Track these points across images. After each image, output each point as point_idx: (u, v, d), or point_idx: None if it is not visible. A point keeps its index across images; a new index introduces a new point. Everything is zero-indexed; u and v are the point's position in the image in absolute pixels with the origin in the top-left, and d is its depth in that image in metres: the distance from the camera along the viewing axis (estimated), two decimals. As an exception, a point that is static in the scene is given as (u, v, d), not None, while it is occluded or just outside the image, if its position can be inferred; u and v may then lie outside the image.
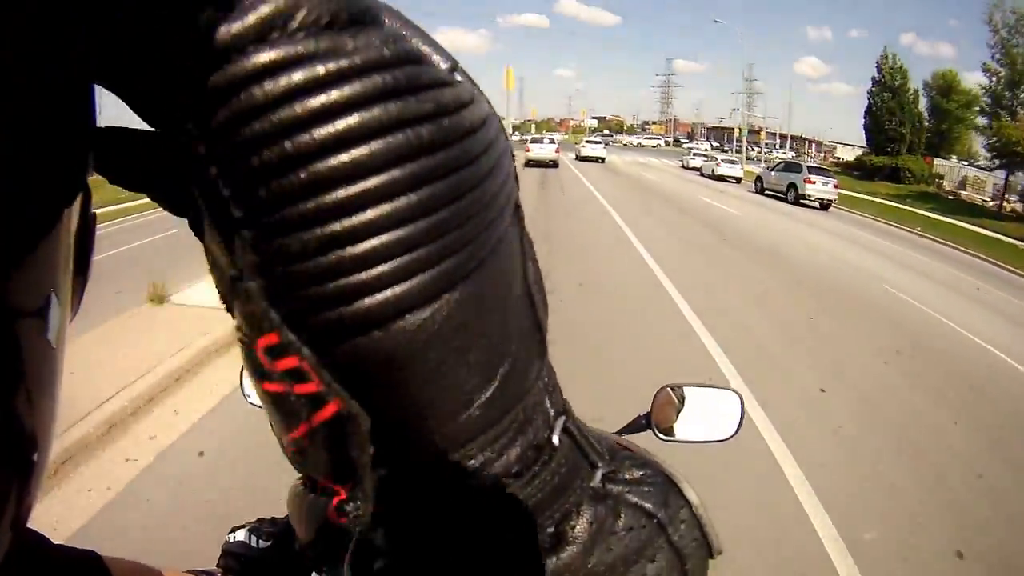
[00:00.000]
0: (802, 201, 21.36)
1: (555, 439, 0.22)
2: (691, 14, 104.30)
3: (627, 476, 0.24)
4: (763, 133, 56.13)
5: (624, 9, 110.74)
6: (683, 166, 36.73)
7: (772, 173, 24.58)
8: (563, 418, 0.23)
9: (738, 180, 29.30)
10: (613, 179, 24.57)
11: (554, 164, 28.95)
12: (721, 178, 29.31)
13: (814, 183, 21.44)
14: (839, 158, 65.12)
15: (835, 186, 21.62)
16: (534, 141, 32.33)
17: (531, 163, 29.77)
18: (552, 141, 32.54)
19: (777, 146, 64.52)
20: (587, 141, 35.41)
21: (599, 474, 0.23)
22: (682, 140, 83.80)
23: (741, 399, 1.15)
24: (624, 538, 0.23)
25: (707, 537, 0.24)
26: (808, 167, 23.07)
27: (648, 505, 0.23)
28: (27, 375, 0.18)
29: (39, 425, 0.19)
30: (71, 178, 0.20)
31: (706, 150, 50.61)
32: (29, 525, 0.28)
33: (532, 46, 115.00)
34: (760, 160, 42.37)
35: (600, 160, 33.79)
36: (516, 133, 64.35)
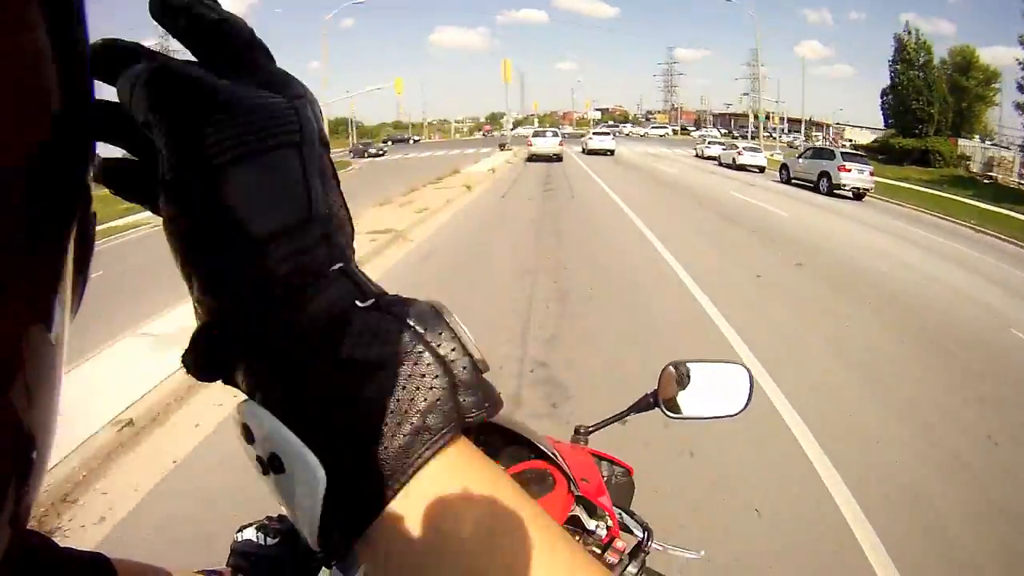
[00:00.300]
0: (836, 191, 19.04)
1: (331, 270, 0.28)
2: (688, 2, 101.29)
3: (400, 306, 0.29)
4: (775, 118, 53.17)
5: (621, 0, 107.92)
6: (697, 155, 34.43)
7: (800, 161, 22.10)
8: (340, 264, 0.28)
9: (761, 169, 26.81)
10: (627, 175, 21.95)
11: (558, 158, 27.32)
12: (742, 167, 26.77)
13: (849, 171, 19.01)
14: (850, 140, 62.48)
15: (871, 174, 19.38)
16: (536, 135, 30.39)
17: (534, 158, 27.71)
18: (555, 134, 30.26)
19: (786, 131, 62.47)
20: (594, 133, 33.27)
21: (371, 301, 0.29)
22: (688, 128, 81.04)
23: (750, 373, 1.12)
24: (389, 340, 0.28)
25: (469, 351, 0.29)
26: (842, 153, 20.38)
27: (410, 321, 0.29)
28: (28, 374, 0.19)
29: (38, 424, 0.20)
30: (75, 183, 0.21)
31: (716, 137, 47.93)
32: (43, 530, 0.34)
33: (532, 41, 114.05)
34: (775, 147, 39.86)
35: (609, 153, 31.35)
36: (519, 128, 62.40)
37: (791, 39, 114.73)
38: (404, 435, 0.27)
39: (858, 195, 19.09)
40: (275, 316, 0.27)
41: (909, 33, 41.93)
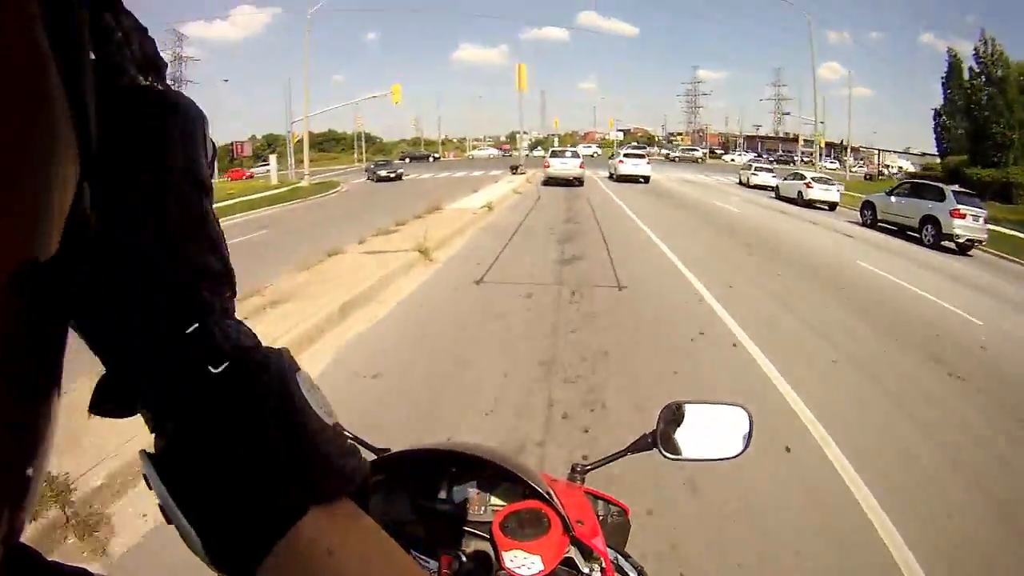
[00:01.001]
0: (943, 243, 14.08)
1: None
2: (708, 23, 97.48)
3: (261, 366, 0.31)
4: (821, 140, 47.21)
5: (642, 20, 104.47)
6: (742, 183, 29.53)
7: (892, 199, 16.61)
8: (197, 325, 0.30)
9: (832, 207, 21.18)
10: (678, 216, 16.05)
11: (578, 182, 23.60)
12: (810, 203, 21.14)
13: (963, 217, 13.99)
14: (898, 167, 56.49)
15: (985, 220, 14.63)
16: (554, 155, 25.47)
17: (552, 181, 23.67)
18: (575, 155, 25.06)
19: (822, 155, 59.41)
20: (625, 155, 27.25)
21: (224, 365, 0.30)
22: (717, 151, 75.50)
23: (750, 415, 1.09)
24: (248, 404, 0.30)
25: (327, 418, 0.33)
26: (955, 193, 14.85)
27: (271, 383, 0.31)
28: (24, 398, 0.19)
29: (34, 443, 0.20)
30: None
31: (761, 162, 42.26)
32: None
33: (554, 60, 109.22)
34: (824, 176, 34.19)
35: (644, 180, 25.70)
36: (538, 148, 57.46)
37: (812, 61, 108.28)
38: (274, 497, 0.29)
39: (965, 247, 14.16)
40: (145, 373, 0.28)
41: (985, 43, 35.98)
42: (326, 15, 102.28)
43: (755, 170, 29.54)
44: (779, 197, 23.26)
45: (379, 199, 21.22)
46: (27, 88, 0.17)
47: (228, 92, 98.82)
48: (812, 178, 22.32)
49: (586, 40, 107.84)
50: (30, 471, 0.20)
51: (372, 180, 31.12)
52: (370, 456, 1.01)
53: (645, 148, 63.62)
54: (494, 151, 63.37)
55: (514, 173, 27.79)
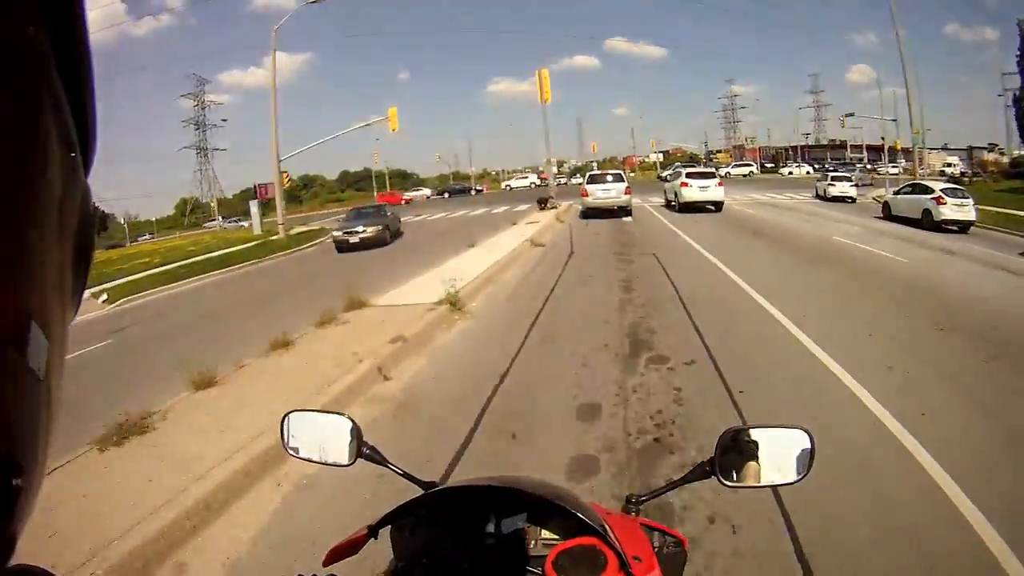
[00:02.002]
0: None
1: None
2: (737, 38, 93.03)
3: None
4: (888, 148, 39.51)
5: (669, 41, 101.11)
6: (820, 196, 25.60)
7: None
8: None
9: (964, 228, 15.35)
10: (778, 255, 10.48)
11: (624, 212, 18.59)
12: (939, 226, 15.16)
13: None
14: (950, 164, 47.81)
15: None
16: (593, 180, 19.30)
17: (591, 213, 18.74)
18: (619, 178, 19.27)
19: (866, 160, 56.50)
20: (690, 174, 19.93)
21: None
22: (767, 165, 68.18)
23: (811, 437, 1.02)
24: None
25: None
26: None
27: None
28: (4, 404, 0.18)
29: (22, 452, 0.19)
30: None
31: (840, 172, 35.34)
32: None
33: (586, 88, 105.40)
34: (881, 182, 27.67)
35: (715, 207, 18.87)
36: (578, 176, 51.86)
37: (842, 64, 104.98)
38: None
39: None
40: None
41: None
42: (359, 54, 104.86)
43: (831, 180, 25.34)
44: (890, 217, 17.44)
45: (342, 262, 15.41)
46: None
47: (259, 134, 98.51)
48: (940, 190, 15.62)
49: (616, 66, 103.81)
50: (18, 481, 0.19)
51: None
52: (417, 491, 0.99)
53: (713, 166, 55.91)
54: (534, 179, 57.60)
55: (542, 208, 21.60)
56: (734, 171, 56.45)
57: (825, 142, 74.69)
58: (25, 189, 0.19)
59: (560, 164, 58.88)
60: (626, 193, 18.25)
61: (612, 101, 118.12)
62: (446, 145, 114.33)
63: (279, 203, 24.27)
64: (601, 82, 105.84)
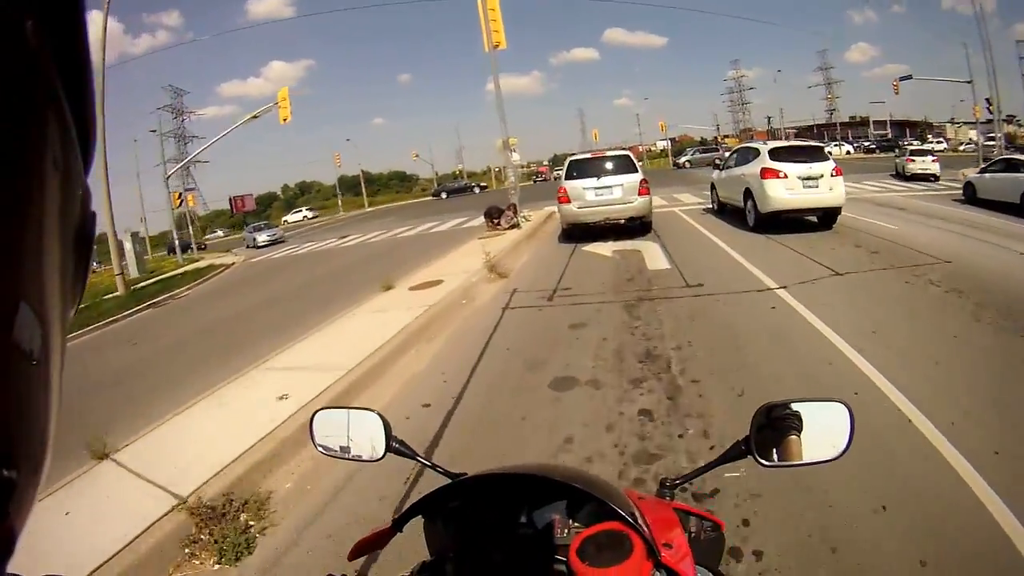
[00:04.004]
0: None
1: None
2: (735, 21, 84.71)
3: None
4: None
5: (668, 29, 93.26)
6: (897, 173, 20.94)
7: None
8: None
9: None
10: None
11: (641, 226, 9.48)
12: None
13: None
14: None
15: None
16: (580, 173, 9.28)
17: (578, 233, 9.73)
18: (628, 166, 9.86)
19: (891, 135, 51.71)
20: (778, 153, 9.21)
21: None
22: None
23: (850, 410, 0.94)
24: None
25: None
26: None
27: None
28: None
29: (12, 441, 0.19)
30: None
31: (904, 146, 26.91)
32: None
33: (587, 80, 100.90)
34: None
35: (822, 218, 9.03)
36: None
37: (840, 45, 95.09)
38: None
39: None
40: None
41: None
42: (366, 62, 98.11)
43: (911, 155, 21.24)
44: (974, 200, 12.09)
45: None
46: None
47: (259, 145, 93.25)
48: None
49: (616, 57, 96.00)
50: (12, 473, 0.18)
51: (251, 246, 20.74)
52: (445, 481, 0.93)
53: (717, 151, 45.34)
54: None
55: (493, 226, 12.11)
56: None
57: (849, 119, 66.01)
58: (21, 187, 0.19)
59: (564, 158, 48.69)
60: (641, 192, 9.01)
61: (614, 92, 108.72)
62: (449, 143, 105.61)
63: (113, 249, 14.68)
64: (602, 73, 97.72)
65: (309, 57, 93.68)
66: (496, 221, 11.98)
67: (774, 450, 0.94)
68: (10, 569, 0.21)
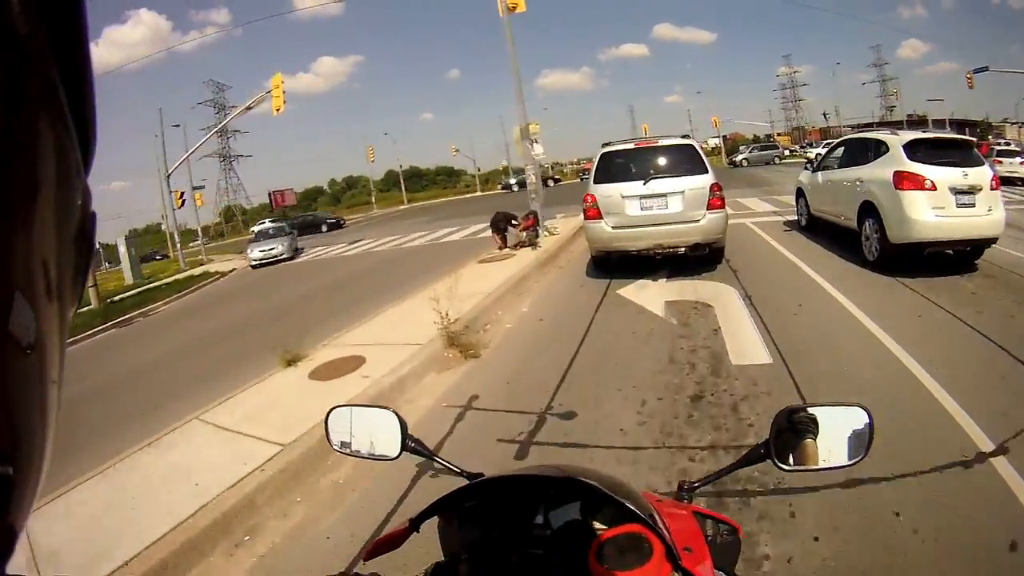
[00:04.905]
0: None
1: None
2: (785, 14, 79.13)
3: None
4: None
5: (717, 24, 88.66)
6: None
7: None
8: None
9: None
10: None
11: (707, 257, 6.04)
12: None
13: None
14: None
15: None
16: (616, 175, 5.65)
17: (615, 264, 6.19)
18: (692, 160, 6.19)
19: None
20: (917, 146, 5.64)
21: None
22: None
23: (869, 414, 0.93)
24: None
25: None
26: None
27: None
28: None
29: (13, 435, 0.18)
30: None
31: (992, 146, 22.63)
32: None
33: (637, 76, 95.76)
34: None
35: (974, 247, 5.56)
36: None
37: (893, 40, 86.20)
38: None
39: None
40: None
41: None
42: (414, 57, 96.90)
43: (997, 155, 17.25)
44: None
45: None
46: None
47: (300, 140, 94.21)
48: None
49: (666, 53, 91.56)
50: (9, 470, 0.17)
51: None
52: (462, 482, 0.90)
53: (776, 150, 40.97)
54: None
55: (500, 242, 8.88)
56: (825, 152, 41.60)
57: (907, 118, 60.05)
58: (19, 186, 0.18)
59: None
60: (713, 205, 5.72)
61: (663, 89, 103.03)
62: (496, 137, 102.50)
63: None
64: (651, 69, 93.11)
65: (358, 53, 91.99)
66: (500, 235, 8.81)
67: (792, 454, 0.92)
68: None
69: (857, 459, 0.92)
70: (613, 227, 5.98)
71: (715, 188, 5.79)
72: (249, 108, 17.03)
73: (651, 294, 5.34)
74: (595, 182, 6.17)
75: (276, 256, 15.64)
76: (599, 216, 6.03)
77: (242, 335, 6.98)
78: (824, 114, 64.01)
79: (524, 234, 8.72)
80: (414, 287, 6.67)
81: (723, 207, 5.85)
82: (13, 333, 0.17)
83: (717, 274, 5.83)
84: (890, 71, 61.31)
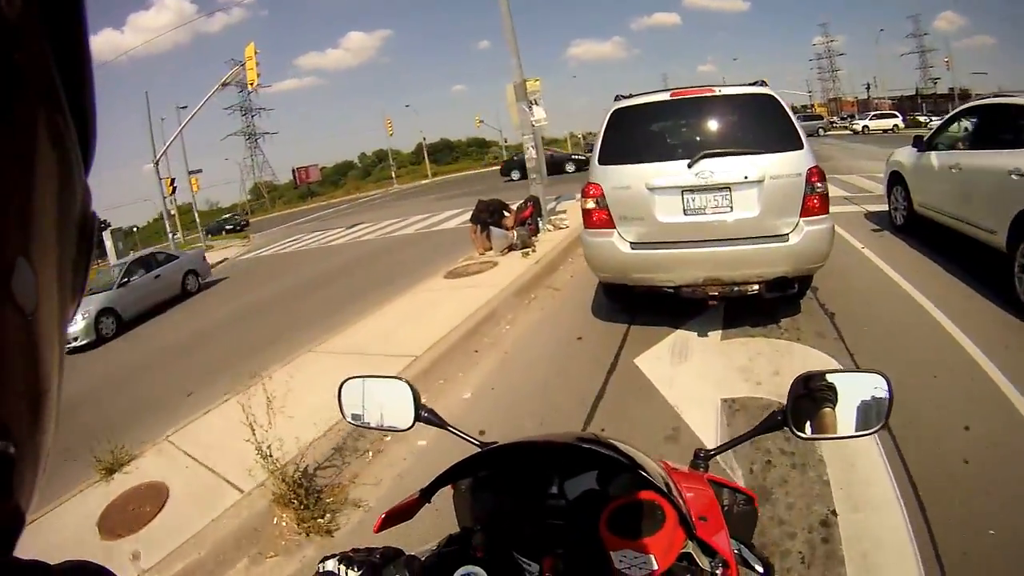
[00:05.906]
0: None
1: None
2: None
3: None
4: None
5: None
6: None
7: None
8: None
9: None
10: None
11: (793, 292, 3.50)
12: None
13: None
14: None
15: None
16: (630, 150, 3.21)
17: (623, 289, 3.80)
18: (781, 125, 3.31)
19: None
20: None
21: None
22: (920, 117, 47.97)
23: (888, 381, 0.86)
24: None
25: None
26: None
27: None
28: None
29: (12, 411, 0.17)
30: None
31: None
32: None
33: (670, 45, 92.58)
34: None
35: None
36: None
37: (929, 13, 78.20)
38: None
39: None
40: None
41: None
42: (441, 29, 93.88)
43: None
44: None
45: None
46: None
47: (331, 115, 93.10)
48: None
49: (698, 21, 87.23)
50: (10, 447, 0.17)
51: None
52: (474, 450, 0.85)
53: (821, 121, 37.43)
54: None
55: (482, 241, 6.36)
56: (873, 124, 37.87)
57: (949, 91, 54.24)
58: (18, 186, 0.17)
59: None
60: (811, 208, 3.18)
61: (696, 58, 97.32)
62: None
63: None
64: (683, 38, 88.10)
65: (387, 27, 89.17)
66: (487, 234, 6.31)
67: (810, 422, 0.86)
68: None
69: (877, 427, 0.87)
70: (633, 244, 3.47)
71: (814, 176, 3.22)
72: (224, 85, 15.04)
73: (694, 373, 2.92)
74: (601, 162, 3.62)
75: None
76: (609, 223, 3.51)
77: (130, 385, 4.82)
78: (866, 84, 58.70)
79: (515, 232, 6.24)
80: (353, 317, 4.38)
81: (827, 212, 3.27)
82: (16, 299, 0.17)
83: (803, 322, 3.34)
84: (927, 43, 55.83)
